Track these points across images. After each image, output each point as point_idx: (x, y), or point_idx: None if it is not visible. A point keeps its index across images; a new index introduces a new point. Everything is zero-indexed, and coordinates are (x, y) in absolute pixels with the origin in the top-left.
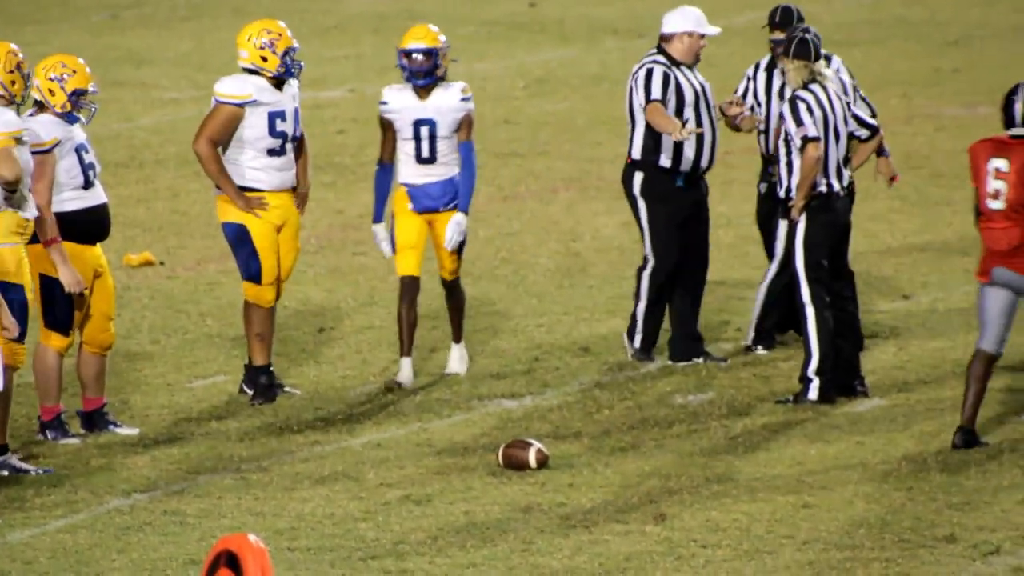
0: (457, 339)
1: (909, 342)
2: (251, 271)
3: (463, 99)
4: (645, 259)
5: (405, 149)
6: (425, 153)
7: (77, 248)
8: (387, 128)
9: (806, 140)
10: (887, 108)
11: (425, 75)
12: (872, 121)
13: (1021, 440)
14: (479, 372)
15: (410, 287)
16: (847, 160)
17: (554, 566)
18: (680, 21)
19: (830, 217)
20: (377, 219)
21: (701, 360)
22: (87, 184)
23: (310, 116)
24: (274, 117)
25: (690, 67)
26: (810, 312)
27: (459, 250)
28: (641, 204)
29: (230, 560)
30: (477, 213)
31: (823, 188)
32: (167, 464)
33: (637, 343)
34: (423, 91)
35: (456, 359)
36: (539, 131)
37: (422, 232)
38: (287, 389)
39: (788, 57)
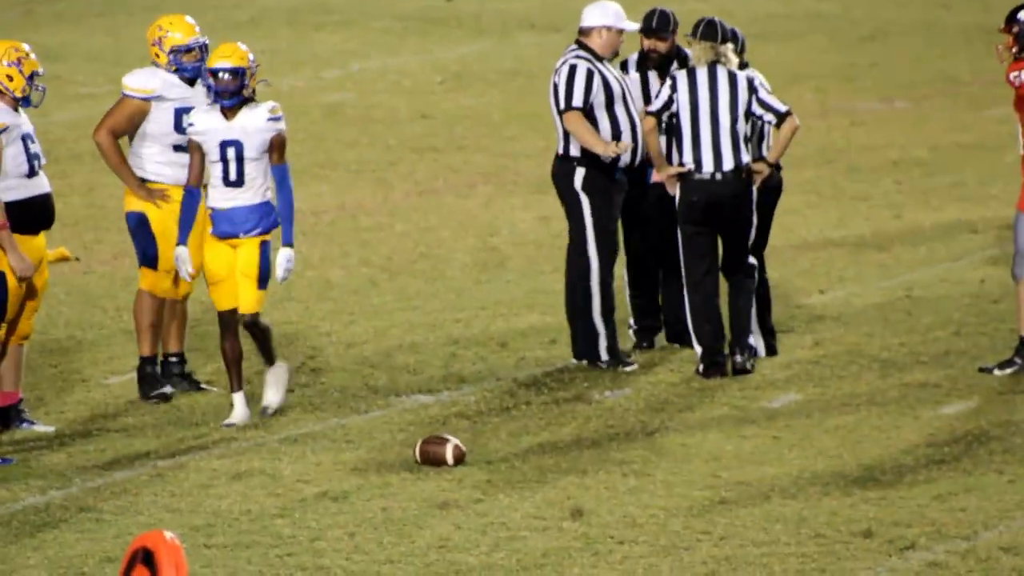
0: (270, 362)
1: (824, 337)
2: (148, 256)
3: (271, 119)
4: (583, 263)
5: (214, 172)
6: (232, 176)
7: (20, 238)
8: (195, 151)
9: (629, 112)
10: (802, 103)
11: (231, 95)
12: (780, 107)
13: (936, 435)
14: (396, 367)
15: (229, 322)
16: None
17: (471, 563)
18: (599, 15)
19: (696, 197)
20: (180, 241)
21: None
22: (31, 173)
23: None
24: (181, 113)
25: (610, 61)
26: (687, 293)
27: (262, 284)
28: (584, 200)
29: (146, 558)
30: (394, 208)
31: (690, 166)
32: (83, 461)
33: (602, 352)
34: (230, 112)
35: (271, 387)
36: (456, 126)
37: (231, 261)
38: (203, 386)
39: (695, 37)
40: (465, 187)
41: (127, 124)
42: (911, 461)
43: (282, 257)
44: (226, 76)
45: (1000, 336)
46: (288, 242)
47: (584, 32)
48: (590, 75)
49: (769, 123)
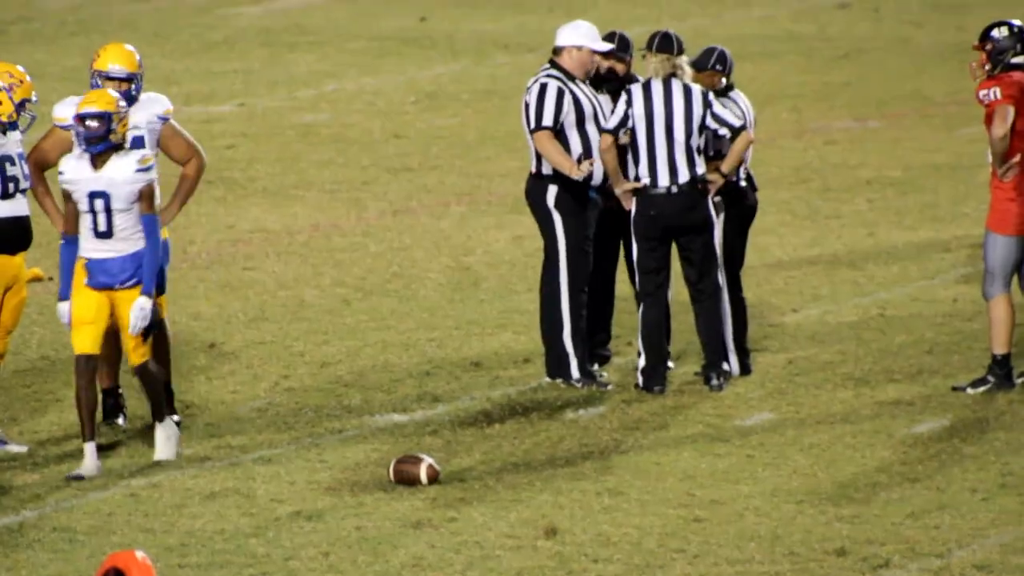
0: (159, 417)
1: (798, 355)
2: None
3: (139, 170)
4: (554, 282)
5: (83, 222)
6: (102, 227)
7: None
8: (67, 199)
9: (600, 131)
10: (778, 122)
11: (98, 141)
12: (734, 121)
13: (909, 453)
14: (370, 386)
15: (86, 366)
16: (717, 156)
17: None
18: (571, 35)
19: (653, 211)
20: (62, 296)
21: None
22: (5, 195)
23: (200, 131)
24: None
25: (584, 81)
26: (640, 304)
27: (146, 333)
28: (556, 218)
29: None
30: (368, 228)
31: (646, 181)
32: (57, 481)
33: (575, 372)
34: (99, 159)
35: (162, 442)
36: (430, 146)
37: (102, 307)
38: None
39: (651, 51)
40: (439, 207)
41: (53, 154)
42: (885, 479)
43: (136, 306)
44: (92, 123)
45: (973, 355)
46: (147, 292)
47: (557, 51)
48: (560, 94)
49: (724, 136)
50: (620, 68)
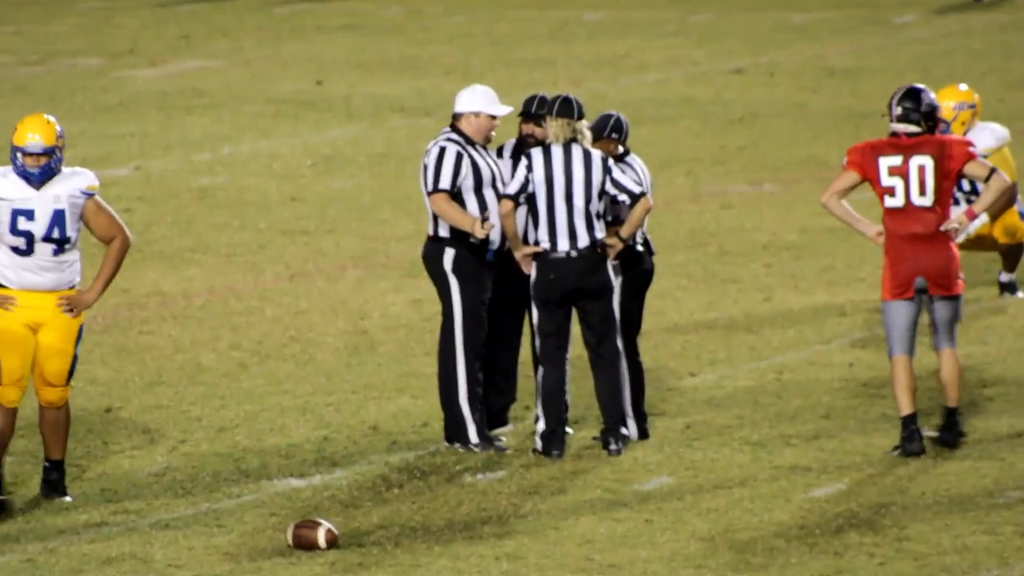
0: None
1: (696, 419)
2: None
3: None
4: (450, 346)
5: None
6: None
7: None
8: None
9: (499, 196)
10: (673, 187)
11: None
12: (634, 188)
13: (807, 517)
14: (268, 451)
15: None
16: (615, 222)
17: None
18: (468, 100)
19: (552, 275)
20: None
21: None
22: None
23: None
24: (17, 215)
25: (483, 146)
26: (539, 368)
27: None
28: (453, 281)
29: None
30: (265, 292)
31: (546, 246)
32: None
33: (472, 436)
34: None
35: None
36: (327, 208)
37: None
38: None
39: (551, 115)
40: (336, 270)
41: None
42: (783, 544)
43: None
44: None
45: (869, 419)
46: None
47: (456, 117)
48: (459, 158)
49: (622, 202)
50: (539, 132)
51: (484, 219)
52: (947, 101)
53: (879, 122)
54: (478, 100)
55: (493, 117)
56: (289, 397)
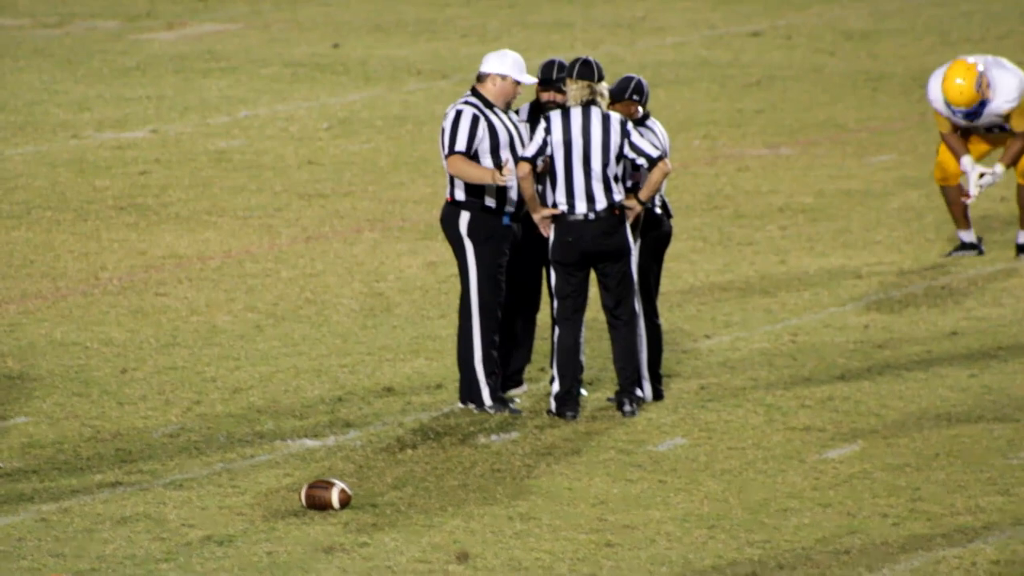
0: None
1: (710, 382)
2: None
3: None
4: (467, 309)
5: None
6: None
7: None
8: None
9: (518, 158)
10: (690, 149)
11: None
12: (652, 151)
13: (820, 478)
14: (282, 412)
15: None
16: (635, 189)
17: None
18: (496, 63)
19: (570, 238)
20: None
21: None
22: None
23: (112, 157)
24: None
25: (504, 111)
26: (556, 329)
27: None
28: (468, 245)
29: None
30: (281, 254)
31: (564, 208)
32: None
33: (486, 398)
34: None
35: None
36: (343, 172)
37: None
38: None
39: (571, 77)
40: (352, 233)
41: None
42: (796, 504)
43: None
44: None
45: (884, 381)
46: None
47: (480, 78)
48: (475, 120)
49: (641, 167)
50: (560, 98)
51: (503, 168)
52: (965, 79)
53: (896, 84)
54: (508, 64)
55: (518, 83)
56: (304, 359)
